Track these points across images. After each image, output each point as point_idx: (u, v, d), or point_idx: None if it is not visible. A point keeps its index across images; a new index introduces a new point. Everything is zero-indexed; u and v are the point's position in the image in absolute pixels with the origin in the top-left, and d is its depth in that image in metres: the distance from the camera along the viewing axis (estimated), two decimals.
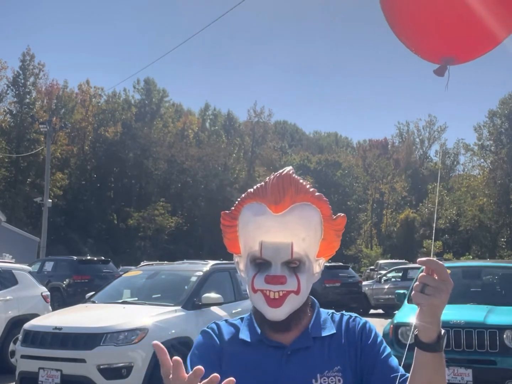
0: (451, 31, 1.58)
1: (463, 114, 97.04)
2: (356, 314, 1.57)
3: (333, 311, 1.59)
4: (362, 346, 1.47)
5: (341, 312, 1.58)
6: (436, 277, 1.24)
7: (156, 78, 65.47)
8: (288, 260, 1.43)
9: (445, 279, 1.23)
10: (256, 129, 64.83)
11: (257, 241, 1.45)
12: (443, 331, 1.27)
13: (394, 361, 1.46)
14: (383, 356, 1.46)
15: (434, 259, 1.26)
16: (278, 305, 1.41)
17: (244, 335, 1.51)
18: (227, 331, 1.54)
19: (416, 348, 1.28)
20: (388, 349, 1.49)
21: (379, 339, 1.50)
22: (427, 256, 1.32)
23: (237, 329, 1.54)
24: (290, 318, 1.44)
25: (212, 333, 1.53)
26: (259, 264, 1.45)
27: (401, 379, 1.41)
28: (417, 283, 1.25)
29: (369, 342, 1.48)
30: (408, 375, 1.38)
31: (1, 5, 73.66)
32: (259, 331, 1.49)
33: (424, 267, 1.25)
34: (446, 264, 9.10)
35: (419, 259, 1.26)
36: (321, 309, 1.57)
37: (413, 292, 1.25)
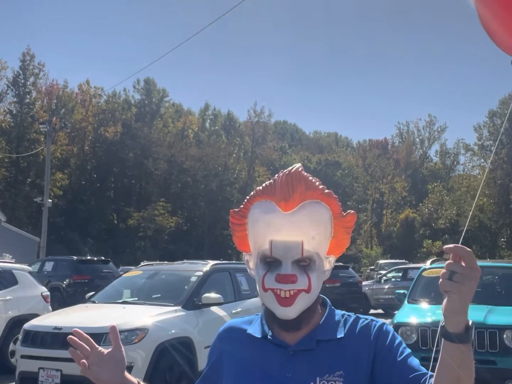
0: None
1: (463, 114, 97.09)
2: (372, 317, 1.53)
3: (348, 313, 1.56)
4: (378, 349, 1.44)
5: (357, 315, 1.55)
6: (464, 264, 1.20)
7: (156, 78, 65.58)
8: (299, 259, 1.42)
9: (473, 266, 1.20)
10: (256, 129, 64.78)
11: (267, 240, 1.44)
12: (470, 321, 1.23)
13: (414, 361, 1.43)
14: (402, 357, 1.42)
15: (462, 245, 1.21)
16: (289, 304, 1.40)
17: (252, 330, 1.53)
18: (237, 329, 1.57)
19: (443, 341, 1.23)
20: (408, 350, 1.45)
21: (397, 341, 1.46)
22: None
23: (248, 325, 1.56)
24: (300, 316, 1.43)
25: (218, 339, 1.59)
26: (269, 262, 1.44)
27: (423, 378, 1.37)
28: (444, 270, 1.21)
29: (386, 344, 1.44)
30: (431, 373, 1.34)
31: (1, 5, 73.72)
32: (266, 328, 1.50)
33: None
34: (446, 264, 9.08)
35: (445, 246, 1.22)
36: (336, 310, 1.55)
37: (440, 280, 1.21)
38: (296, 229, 1.42)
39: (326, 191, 1.47)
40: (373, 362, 1.43)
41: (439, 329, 1.25)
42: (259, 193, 1.48)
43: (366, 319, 1.52)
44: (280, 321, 1.44)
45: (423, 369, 1.40)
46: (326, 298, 1.57)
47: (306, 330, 1.47)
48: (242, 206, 1.52)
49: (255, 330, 1.53)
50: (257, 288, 1.48)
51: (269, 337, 1.48)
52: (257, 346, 1.49)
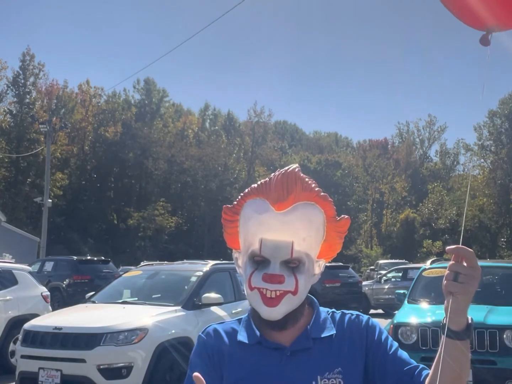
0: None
1: (463, 114, 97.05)
2: (357, 312, 1.54)
3: (333, 310, 1.56)
4: (369, 343, 1.45)
5: (342, 310, 1.55)
6: (466, 264, 1.23)
7: (156, 78, 65.60)
8: (288, 260, 1.40)
9: (475, 265, 1.23)
10: (256, 129, 64.77)
11: (257, 238, 1.42)
12: (470, 318, 1.27)
13: (404, 354, 1.45)
14: (392, 351, 1.44)
15: (463, 246, 1.25)
16: (274, 304, 1.38)
17: (242, 336, 1.48)
18: (224, 334, 1.51)
19: (445, 339, 1.27)
20: (396, 343, 1.47)
21: (384, 335, 1.48)
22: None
23: (235, 330, 1.51)
24: (286, 317, 1.41)
25: (207, 339, 1.51)
26: (258, 261, 1.42)
27: (416, 370, 1.40)
28: (448, 271, 1.24)
29: (375, 339, 1.46)
30: (422, 366, 1.39)
31: (1, 5, 73.69)
32: (257, 332, 1.47)
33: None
34: (446, 264, 9.09)
35: (448, 247, 1.25)
36: (321, 308, 1.54)
37: (445, 281, 1.24)
38: (288, 229, 1.40)
39: (322, 193, 1.45)
40: (366, 356, 1.44)
41: (445, 328, 1.27)
42: (253, 190, 1.46)
43: (352, 314, 1.53)
44: (266, 320, 1.42)
45: (414, 362, 1.44)
46: (314, 298, 1.56)
47: (299, 330, 1.46)
48: (235, 202, 1.50)
49: (245, 336, 1.48)
50: (244, 287, 1.46)
51: (262, 341, 1.45)
52: (251, 351, 1.45)
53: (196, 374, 1.17)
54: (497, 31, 1.60)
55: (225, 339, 1.50)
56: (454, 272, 1.23)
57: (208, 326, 1.56)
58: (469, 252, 1.23)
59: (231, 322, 1.56)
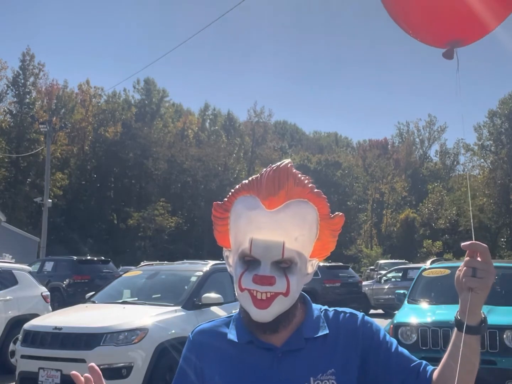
0: (456, 13, 1.55)
1: (463, 114, 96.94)
2: (350, 310, 1.50)
3: (326, 307, 1.51)
4: (366, 343, 1.42)
5: (335, 308, 1.51)
6: (480, 259, 1.25)
7: (156, 78, 65.60)
8: (279, 260, 1.35)
9: (489, 260, 1.25)
10: (256, 129, 64.81)
11: (247, 238, 1.37)
12: (483, 313, 1.29)
13: (405, 350, 1.44)
14: (393, 349, 1.42)
15: (478, 242, 1.27)
16: (265, 306, 1.34)
17: (233, 335, 1.45)
18: (214, 333, 1.49)
19: (459, 335, 1.28)
20: (394, 340, 1.46)
21: (382, 332, 1.45)
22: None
23: (225, 329, 1.49)
24: (277, 319, 1.37)
25: (194, 339, 1.50)
26: (248, 261, 1.37)
27: (421, 367, 1.40)
28: (465, 268, 1.25)
29: (374, 338, 1.43)
30: (425, 362, 1.41)
31: (1, 5, 73.71)
32: (248, 332, 1.43)
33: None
34: (446, 264, 9.10)
35: (463, 244, 1.27)
36: (313, 305, 1.50)
37: (463, 279, 1.25)
38: (279, 228, 1.35)
39: (315, 190, 1.40)
40: (363, 355, 1.41)
41: (462, 324, 1.29)
42: (244, 187, 1.41)
43: (346, 312, 1.49)
44: (257, 322, 1.37)
45: (415, 358, 1.44)
46: (307, 296, 1.51)
47: (291, 329, 1.42)
48: (226, 199, 1.45)
49: (235, 335, 1.44)
50: (234, 287, 1.42)
51: (253, 341, 1.42)
52: (242, 352, 1.42)
53: None
54: (459, 46, 1.60)
55: (214, 338, 1.47)
56: (472, 268, 1.24)
57: (198, 326, 1.54)
58: (484, 247, 1.25)
59: (221, 320, 1.53)
